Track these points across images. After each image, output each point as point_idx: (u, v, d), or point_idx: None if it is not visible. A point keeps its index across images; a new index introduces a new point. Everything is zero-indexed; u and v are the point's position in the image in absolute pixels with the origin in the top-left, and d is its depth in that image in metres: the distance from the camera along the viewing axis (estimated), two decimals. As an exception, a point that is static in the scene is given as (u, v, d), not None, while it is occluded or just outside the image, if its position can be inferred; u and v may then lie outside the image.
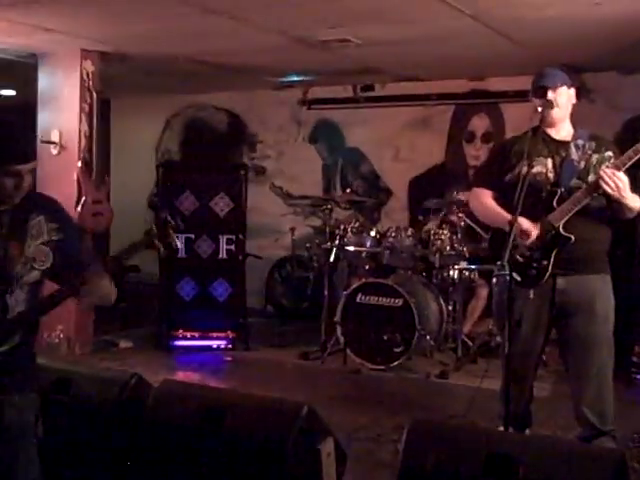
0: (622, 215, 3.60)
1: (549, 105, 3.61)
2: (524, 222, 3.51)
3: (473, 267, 5.95)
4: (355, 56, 6.19)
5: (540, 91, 3.65)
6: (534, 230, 3.56)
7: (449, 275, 6.06)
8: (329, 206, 6.47)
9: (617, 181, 3.40)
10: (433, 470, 2.77)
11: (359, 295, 5.81)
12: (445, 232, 5.99)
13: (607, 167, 3.46)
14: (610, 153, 3.67)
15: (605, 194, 3.46)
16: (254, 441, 3.03)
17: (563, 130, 3.72)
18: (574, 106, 3.75)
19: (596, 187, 3.45)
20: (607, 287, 3.72)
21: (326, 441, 3.08)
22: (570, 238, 3.53)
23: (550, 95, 3.63)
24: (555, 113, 3.64)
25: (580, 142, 3.68)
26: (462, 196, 5.91)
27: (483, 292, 6.26)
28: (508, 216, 3.47)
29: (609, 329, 3.69)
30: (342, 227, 6.22)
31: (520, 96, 6.65)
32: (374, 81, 7.65)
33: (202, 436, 3.17)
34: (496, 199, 3.77)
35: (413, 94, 7.54)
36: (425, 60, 6.41)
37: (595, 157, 3.65)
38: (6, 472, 2.65)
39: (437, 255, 5.91)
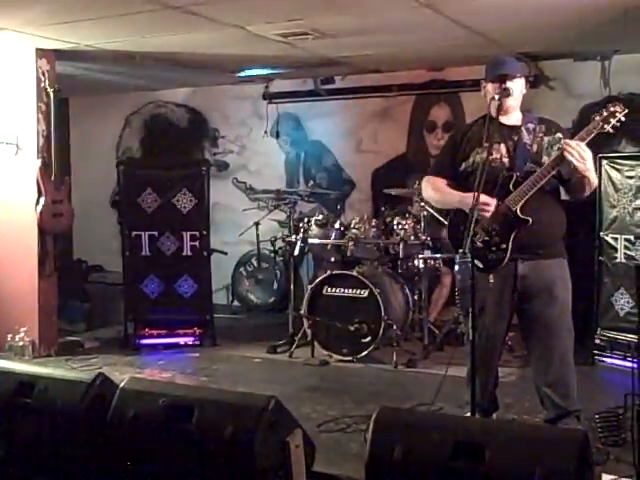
0: (580, 193, 3.69)
1: (506, 94, 3.67)
2: (486, 196, 3.55)
3: (437, 256, 6.00)
4: (314, 49, 6.18)
5: (498, 79, 3.72)
6: (493, 201, 3.61)
7: (414, 264, 6.10)
8: (293, 199, 6.47)
9: (581, 151, 3.46)
10: (401, 458, 2.80)
11: (325, 287, 5.82)
12: (409, 222, 6.02)
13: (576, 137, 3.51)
14: (560, 135, 3.75)
15: (569, 168, 3.52)
16: (223, 436, 3.03)
17: (513, 116, 3.80)
18: (526, 94, 3.85)
19: (561, 159, 3.51)
20: (565, 271, 3.80)
21: (294, 433, 3.09)
22: (528, 220, 3.60)
23: (509, 84, 3.70)
24: (510, 101, 3.71)
25: (530, 126, 3.76)
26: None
27: (447, 280, 6.32)
28: (469, 196, 3.51)
29: (568, 312, 3.78)
30: (306, 220, 6.22)
31: (479, 85, 6.74)
32: (334, 73, 7.65)
33: (170, 433, 3.16)
34: (450, 187, 3.83)
35: (374, 86, 7.57)
36: (384, 52, 6.43)
37: (546, 139, 3.74)
38: None
39: (401, 245, 5.94)
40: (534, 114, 3.88)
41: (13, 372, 3.60)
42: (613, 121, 3.45)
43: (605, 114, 3.47)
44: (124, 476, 3.28)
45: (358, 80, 7.61)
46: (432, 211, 5.94)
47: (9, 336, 5.92)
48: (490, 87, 3.75)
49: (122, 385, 3.40)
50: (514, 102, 3.75)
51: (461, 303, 3.91)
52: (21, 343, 5.89)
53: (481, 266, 3.60)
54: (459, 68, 7.12)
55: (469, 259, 3.31)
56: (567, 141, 3.50)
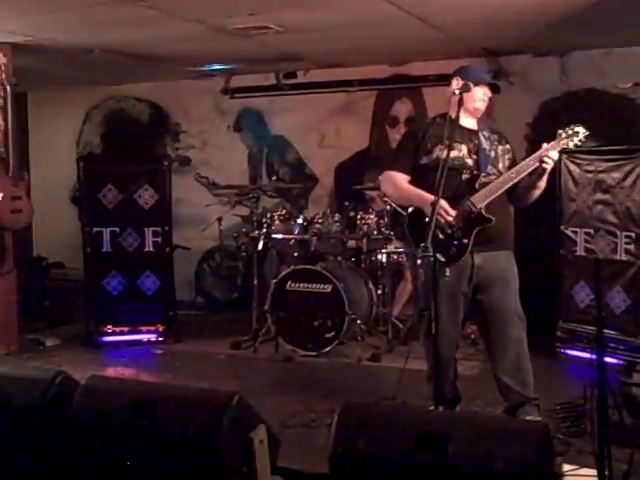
0: (525, 201, 3.93)
1: (486, 101, 3.92)
2: (443, 202, 3.63)
3: (400, 250, 6.01)
4: (276, 43, 6.16)
5: (491, 86, 3.95)
6: (453, 212, 3.72)
7: (377, 259, 6.13)
8: (256, 195, 6.44)
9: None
10: (365, 452, 2.81)
11: (288, 282, 5.81)
12: (371, 217, 6.03)
13: (547, 148, 3.72)
14: (508, 146, 4.02)
15: (532, 177, 3.76)
16: (186, 433, 3.01)
17: (472, 121, 3.97)
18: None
19: (539, 168, 3.71)
20: (514, 262, 3.99)
21: (258, 429, 3.08)
22: (491, 219, 3.76)
23: (490, 93, 3.94)
24: (483, 108, 3.94)
25: (486, 133, 3.96)
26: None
27: (410, 275, 6.33)
28: (428, 196, 3.63)
29: (519, 300, 3.93)
30: (269, 215, 6.19)
31: (441, 80, 6.76)
32: (296, 68, 7.63)
33: (133, 431, 3.12)
34: (410, 182, 3.89)
35: (336, 80, 7.56)
36: (346, 46, 6.43)
37: (500, 148, 3.97)
38: None
39: (364, 240, 5.95)
40: (485, 123, 4.06)
41: (-30, 371, 3.55)
42: (576, 140, 3.71)
43: (570, 132, 3.70)
44: (85, 475, 3.25)
45: (320, 74, 7.60)
46: (397, 207, 5.95)
47: (-33, 335, 5.83)
48: (478, 90, 3.87)
49: (83, 383, 3.37)
50: (484, 109, 3.95)
51: (419, 297, 3.96)
52: (-21, 342, 5.81)
53: (443, 260, 3.65)
54: (421, 63, 7.15)
55: (430, 253, 3.35)
56: (547, 154, 3.69)
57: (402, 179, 3.92)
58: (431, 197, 3.58)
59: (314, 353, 5.68)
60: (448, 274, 3.69)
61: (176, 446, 3.04)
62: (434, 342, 3.41)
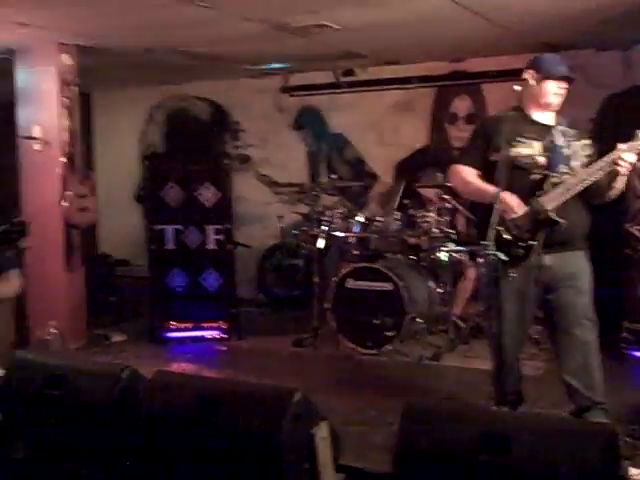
0: (609, 196, 3.72)
1: (562, 94, 3.73)
2: (512, 198, 3.54)
3: (461, 249, 5.97)
4: (334, 41, 6.17)
5: (564, 79, 3.75)
6: (520, 208, 3.59)
7: (437, 257, 6.08)
8: (315, 193, 6.46)
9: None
10: (428, 451, 2.80)
11: (349, 281, 5.82)
12: (432, 214, 5.99)
13: (622, 149, 3.52)
14: (587, 141, 3.79)
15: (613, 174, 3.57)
16: (249, 429, 3.04)
17: (548, 115, 3.79)
18: None
19: (614, 172, 3.54)
20: (588, 263, 3.82)
21: (320, 426, 3.10)
22: (559, 222, 3.59)
23: (566, 86, 3.74)
24: (559, 102, 3.75)
25: (562, 128, 3.77)
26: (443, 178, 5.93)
27: (472, 273, 6.28)
28: (493, 190, 3.52)
29: (591, 302, 3.78)
30: (329, 213, 6.21)
31: (501, 76, 6.69)
32: (355, 66, 7.63)
33: (197, 426, 3.18)
34: (480, 178, 3.81)
35: (394, 77, 7.53)
36: (405, 43, 6.40)
37: (577, 144, 3.76)
38: None
39: (425, 238, 5.92)
40: (565, 117, 3.86)
41: (43, 365, 3.66)
42: None
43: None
44: (150, 468, 3.32)
45: (378, 72, 7.58)
46: (458, 205, 5.92)
47: (38, 330, 5.97)
48: (550, 84, 3.73)
49: (150, 378, 3.44)
50: (560, 103, 3.77)
51: (485, 295, 3.90)
52: (49, 337, 5.95)
53: (505, 259, 3.59)
54: (480, 59, 7.07)
55: (492, 251, 3.31)
56: (621, 156, 3.51)
57: (470, 172, 3.81)
58: (494, 190, 3.50)
59: (374, 351, 5.67)
60: (514, 274, 3.59)
61: (239, 442, 3.08)
62: (497, 342, 3.38)
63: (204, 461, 3.18)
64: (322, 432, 3.09)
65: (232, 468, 3.11)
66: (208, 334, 6.38)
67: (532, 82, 3.73)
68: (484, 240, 3.45)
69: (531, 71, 3.77)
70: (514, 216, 3.60)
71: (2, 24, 5.31)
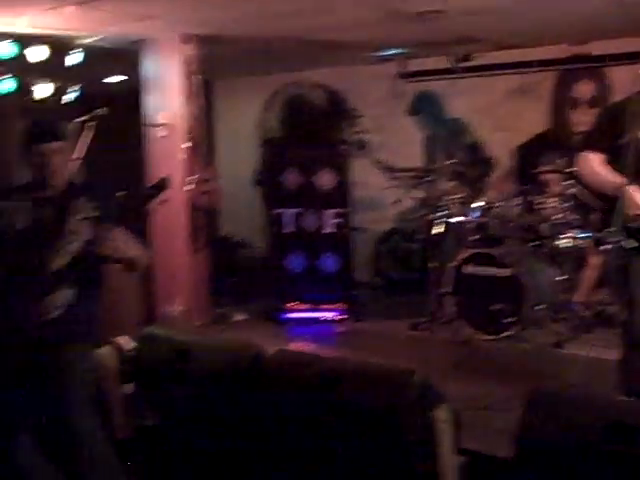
0: None
1: None
2: (636, 193, 3.39)
3: (584, 235, 5.79)
4: (451, 26, 6.09)
5: None
6: None
7: (559, 244, 5.92)
8: (432, 178, 6.43)
9: None
10: (552, 438, 2.76)
11: (467, 266, 5.77)
12: (553, 200, 5.84)
13: None
14: None
15: None
16: (368, 408, 3.08)
17: None
18: None
19: None
20: None
21: (441, 408, 3.10)
22: None
23: None
24: None
25: None
26: (567, 163, 5.76)
27: (595, 260, 6.08)
28: (618, 181, 3.39)
29: None
30: (447, 198, 6.17)
31: (627, 58, 6.42)
32: (472, 50, 7.51)
33: (317, 403, 3.24)
34: (608, 163, 3.68)
35: (513, 62, 7.38)
36: (523, 27, 6.24)
37: None
38: (55, 407, 3.05)
39: (545, 224, 5.79)
40: None
41: (171, 340, 3.82)
42: None
43: None
44: (270, 444, 3.41)
45: (497, 56, 7.44)
46: (580, 191, 5.74)
47: (165, 306, 6.22)
48: None
49: (271, 355, 3.54)
50: None
51: (614, 282, 3.77)
52: (175, 314, 6.19)
53: (635, 245, 3.45)
54: (603, 41, 6.81)
55: (619, 237, 3.21)
56: None
57: (596, 159, 3.67)
58: (619, 181, 3.37)
59: (493, 337, 5.60)
60: None
61: (358, 421, 3.12)
62: (627, 329, 3.28)
63: (323, 438, 3.24)
64: (442, 414, 3.09)
65: (351, 446, 3.16)
66: (326, 315, 6.49)
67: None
68: (610, 226, 3.34)
69: None
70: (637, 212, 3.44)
71: (130, 16, 5.52)
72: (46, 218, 3.09)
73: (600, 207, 3.85)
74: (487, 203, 6.07)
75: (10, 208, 3.18)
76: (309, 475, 3.29)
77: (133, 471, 3.67)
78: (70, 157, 3.29)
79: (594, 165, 3.70)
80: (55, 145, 3.12)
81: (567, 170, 5.84)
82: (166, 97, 6.37)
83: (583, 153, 3.79)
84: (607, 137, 3.68)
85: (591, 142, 3.86)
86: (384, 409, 3.04)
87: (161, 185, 3.15)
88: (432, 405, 3.10)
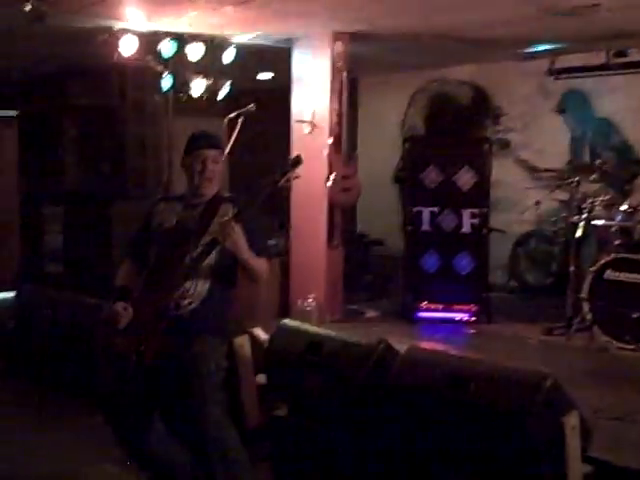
0: None
1: None
2: None
3: None
4: (606, 21, 5.90)
5: None
6: None
7: None
8: (577, 179, 6.28)
9: None
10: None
11: (608, 271, 5.61)
12: None
13: None
14: None
15: None
16: (497, 410, 3.11)
17: None
18: None
19: None
20: None
21: (571, 414, 3.09)
22: None
23: None
24: None
25: None
26: None
27: None
28: None
29: None
30: (590, 200, 6.02)
31: None
32: (628, 46, 7.24)
33: (446, 403, 3.30)
34: None
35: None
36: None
37: None
38: (185, 397, 3.20)
39: (694, 230, 5.55)
40: None
41: (305, 332, 3.98)
42: None
43: None
44: (397, 437, 3.49)
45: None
46: None
47: (299, 300, 6.39)
48: None
49: (403, 352, 3.62)
50: None
51: None
52: (309, 308, 6.36)
53: None
54: None
55: None
56: None
57: None
58: None
59: (632, 346, 5.42)
60: None
61: (486, 422, 3.15)
62: None
63: (451, 437, 3.29)
64: (572, 421, 3.08)
65: (478, 446, 3.20)
66: (458, 316, 6.47)
67: None
68: None
69: None
70: None
71: (283, 15, 5.73)
72: (190, 219, 3.29)
73: None
74: (634, 207, 5.87)
75: (163, 210, 3.44)
76: (436, 473, 3.35)
77: (258, 460, 3.84)
78: (222, 167, 3.45)
79: None
80: (212, 152, 3.33)
81: None
82: (314, 94, 6.53)
83: None
84: None
85: None
86: (513, 411, 3.06)
87: (295, 161, 3.31)
88: (562, 410, 3.09)
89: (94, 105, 8.22)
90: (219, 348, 3.36)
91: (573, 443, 3.07)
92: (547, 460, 3.06)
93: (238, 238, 3.11)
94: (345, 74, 6.43)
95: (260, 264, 3.29)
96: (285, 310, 6.42)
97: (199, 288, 3.25)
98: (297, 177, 3.43)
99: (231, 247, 3.14)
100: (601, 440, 3.46)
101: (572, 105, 7.92)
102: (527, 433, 3.02)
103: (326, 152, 6.40)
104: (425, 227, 6.57)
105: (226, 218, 3.12)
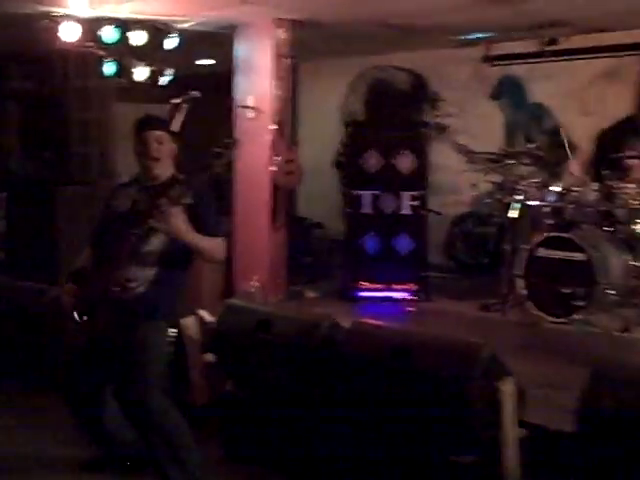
0: None
1: None
2: None
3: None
4: (540, 10, 6.12)
5: None
6: None
7: (635, 230, 5.95)
8: (511, 162, 6.51)
9: None
10: (611, 413, 2.91)
11: (540, 249, 5.85)
12: (631, 186, 5.87)
13: None
14: None
15: None
16: (438, 379, 3.28)
17: None
18: None
19: None
20: None
21: (506, 381, 3.28)
22: None
23: None
24: None
25: None
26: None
27: (672, 248, 6.09)
28: None
29: None
30: (524, 182, 6.25)
31: None
32: (559, 34, 7.49)
33: (390, 372, 3.46)
34: None
35: (601, 45, 7.33)
36: (614, 9, 6.19)
37: None
38: (126, 379, 3.26)
39: (623, 209, 5.83)
40: None
41: (254, 311, 4.09)
42: None
43: None
44: (342, 410, 3.64)
45: (584, 40, 7.39)
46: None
47: (243, 282, 6.48)
48: None
49: (348, 327, 3.77)
50: None
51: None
52: (252, 289, 6.45)
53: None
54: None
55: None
56: None
57: None
58: None
59: (562, 320, 5.68)
60: None
61: (428, 389, 3.33)
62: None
63: (394, 405, 3.46)
64: (507, 387, 3.27)
65: (420, 413, 3.37)
66: (397, 295, 6.65)
67: None
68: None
69: None
70: None
71: (227, 2, 5.79)
72: (142, 203, 3.34)
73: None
74: (565, 188, 6.14)
75: (120, 195, 3.52)
76: (378, 438, 3.51)
77: (208, 436, 3.92)
78: (172, 149, 3.50)
79: None
80: (155, 133, 3.40)
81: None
82: (256, 80, 6.61)
83: None
84: None
85: None
86: (453, 379, 3.23)
87: (231, 143, 3.39)
88: (498, 378, 3.29)
89: (37, 91, 8.13)
90: (164, 333, 3.41)
91: (508, 408, 3.26)
92: (485, 423, 3.26)
93: (177, 222, 3.14)
94: (287, 60, 6.52)
95: (213, 245, 3.35)
96: (229, 292, 6.50)
97: (146, 272, 3.30)
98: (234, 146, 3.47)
99: (170, 232, 3.18)
100: (535, 406, 3.67)
101: (507, 91, 8.17)
102: (466, 399, 3.20)
103: (269, 137, 6.49)
104: (365, 210, 6.71)
105: (163, 203, 3.13)
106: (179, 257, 3.36)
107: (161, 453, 3.27)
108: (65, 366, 3.57)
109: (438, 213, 7.65)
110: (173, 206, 3.12)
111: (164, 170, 3.44)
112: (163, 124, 3.56)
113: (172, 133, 3.51)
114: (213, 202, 3.51)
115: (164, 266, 3.33)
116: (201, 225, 3.25)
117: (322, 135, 9.07)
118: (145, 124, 3.44)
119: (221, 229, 3.52)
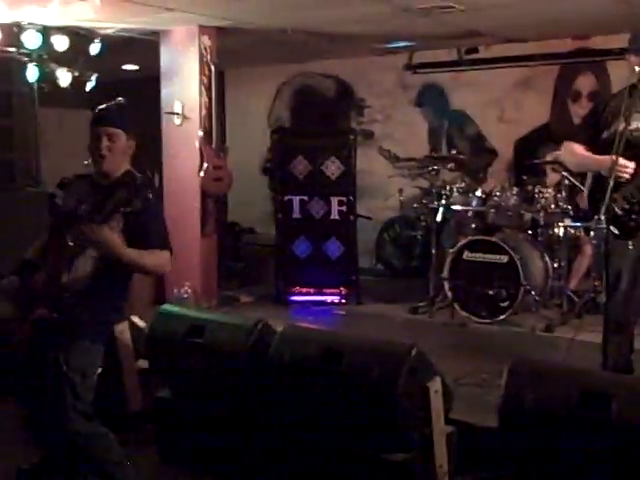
0: None
1: None
2: (621, 160, 3.60)
3: (578, 224, 6.06)
4: (459, 21, 6.30)
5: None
6: (631, 163, 3.68)
7: (554, 233, 6.19)
8: (435, 167, 6.67)
9: None
10: (532, 407, 3.03)
11: (466, 252, 6.01)
12: (550, 190, 6.11)
13: None
14: None
15: None
16: (369, 379, 3.35)
17: None
18: None
19: None
20: None
21: (434, 380, 3.39)
22: None
23: None
24: None
25: None
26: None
27: (588, 249, 6.33)
28: (603, 157, 3.66)
29: None
30: (448, 187, 6.42)
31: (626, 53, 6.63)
32: (478, 44, 7.73)
33: (321, 374, 3.51)
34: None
35: (517, 55, 7.58)
36: (529, 21, 6.43)
37: None
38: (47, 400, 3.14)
39: (542, 213, 6.05)
40: None
41: (186, 316, 4.09)
42: None
43: None
44: (278, 411, 3.69)
45: (502, 50, 7.64)
46: (575, 181, 6.00)
47: (175, 289, 6.47)
48: (634, 59, 3.81)
49: (281, 330, 3.81)
50: None
51: (598, 268, 4.05)
52: (185, 295, 6.45)
53: (617, 232, 3.73)
54: (605, 36, 7.01)
55: (604, 225, 3.46)
56: None
57: (579, 147, 3.95)
58: (607, 159, 3.57)
59: (488, 321, 5.86)
60: (630, 247, 3.72)
61: (359, 391, 3.40)
62: (607, 309, 3.55)
63: (326, 406, 3.53)
64: (435, 386, 3.38)
65: (352, 414, 3.45)
66: (329, 298, 6.73)
67: (627, 60, 3.83)
68: (597, 215, 3.60)
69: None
70: (628, 171, 3.68)
71: (151, 8, 5.76)
72: (85, 206, 3.15)
73: (589, 196, 4.09)
74: (487, 193, 6.33)
75: (69, 190, 3.35)
76: (312, 440, 3.57)
77: (143, 442, 3.93)
78: (126, 146, 3.34)
79: (574, 149, 3.99)
80: (107, 129, 3.23)
81: (550, 159, 6.12)
82: (183, 87, 6.59)
83: (566, 142, 4.08)
84: (591, 131, 3.97)
85: (577, 136, 4.15)
86: (383, 379, 3.31)
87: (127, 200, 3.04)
88: (426, 377, 3.38)
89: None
90: (95, 350, 3.23)
91: (437, 406, 3.36)
92: (414, 421, 3.35)
93: (111, 239, 3.00)
94: (213, 67, 6.54)
95: (156, 261, 3.20)
96: (160, 298, 6.46)
97: (79, 283, 3.10)
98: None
99: (102, 249, 3.03)
100: (462, 404, 3.79)
101: (429, 98, 8.36)
102: (395, 399, 3.29)
103: (197, 144, 6.50)
104: (295, 215, 6.78)
105: (104, 212, 2.98)
106: (117, 268, 3.16)
107: (90, 469, 3.23)
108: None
109: (368, 218, 7.78)
110: (112, 215, 2.98)
111: (115, 168, 3.29)
112: (118, 121, 3.32)
113: (128, 130, 3.32)
114: (160, 211, 3.41)
115: (99, 277, 3.13)
116: (144, 236, 3.13)
117: (251, 141, 9.11)
118: (98, 120, 3.29)
119: (168, 241, 3.34)
